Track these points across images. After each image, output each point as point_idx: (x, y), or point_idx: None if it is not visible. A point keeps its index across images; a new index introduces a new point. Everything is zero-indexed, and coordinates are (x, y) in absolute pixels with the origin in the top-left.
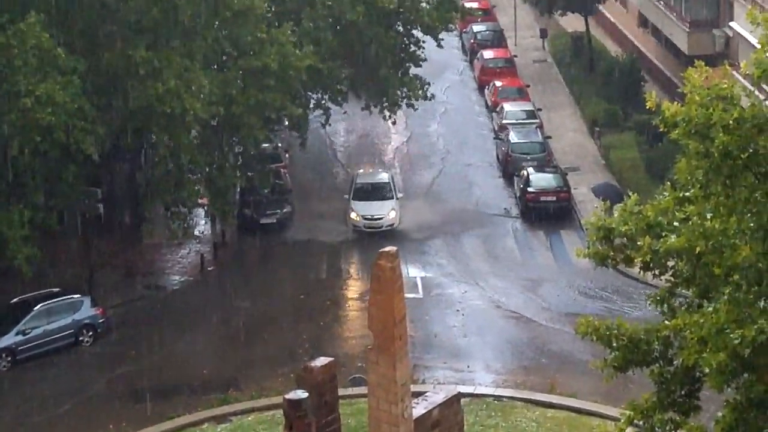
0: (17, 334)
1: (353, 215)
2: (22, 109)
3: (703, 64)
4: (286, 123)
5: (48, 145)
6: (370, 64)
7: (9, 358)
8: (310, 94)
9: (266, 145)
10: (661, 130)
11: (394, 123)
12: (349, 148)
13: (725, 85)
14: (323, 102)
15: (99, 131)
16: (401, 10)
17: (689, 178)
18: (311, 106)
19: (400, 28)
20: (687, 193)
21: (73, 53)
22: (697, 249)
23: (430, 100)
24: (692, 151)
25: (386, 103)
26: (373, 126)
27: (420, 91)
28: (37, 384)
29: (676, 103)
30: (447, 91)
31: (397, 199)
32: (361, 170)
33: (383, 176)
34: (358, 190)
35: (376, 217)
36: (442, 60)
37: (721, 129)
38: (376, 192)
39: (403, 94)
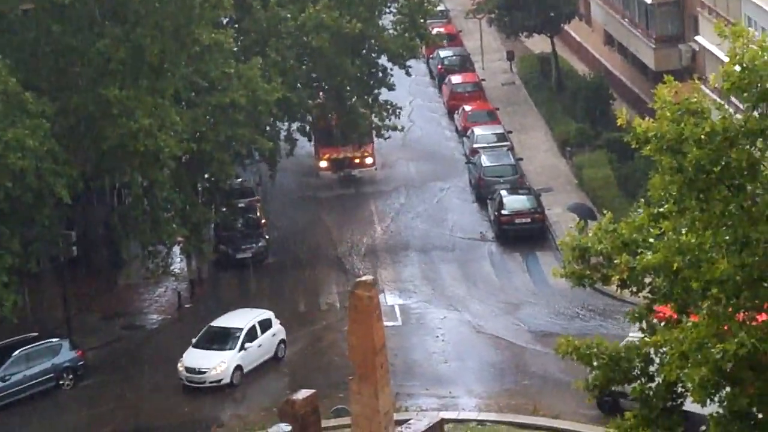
0: None
1: (179, 365)
2: None
3: (672, 78)
4: (257, 156)
5: (20, 190)
6: (338, 93)
7: None
8: (279, 124)
9: (239, 179)
10: (632, 147)
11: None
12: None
13: (695, 100)
14: (291, 133)
15: (70, 173)
16: (366, 36)
17: (663, 194)
18: (281, 137)
19: (366, 56)
20: (661, 209)
21: (41, 96)
22: (675, 265)
23: (401, 130)
24: (665, 166)
25: (356, 134)
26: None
27: (391, 118)
28: (19, 430)
29: (647, 119)
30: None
31: (244, 350)
32: (232, 311)
33: (243, 321)
34: (204, 335)
35: (199, 369)
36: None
37: (693, 143)
38: (221, 339)
39: (373, 124)
